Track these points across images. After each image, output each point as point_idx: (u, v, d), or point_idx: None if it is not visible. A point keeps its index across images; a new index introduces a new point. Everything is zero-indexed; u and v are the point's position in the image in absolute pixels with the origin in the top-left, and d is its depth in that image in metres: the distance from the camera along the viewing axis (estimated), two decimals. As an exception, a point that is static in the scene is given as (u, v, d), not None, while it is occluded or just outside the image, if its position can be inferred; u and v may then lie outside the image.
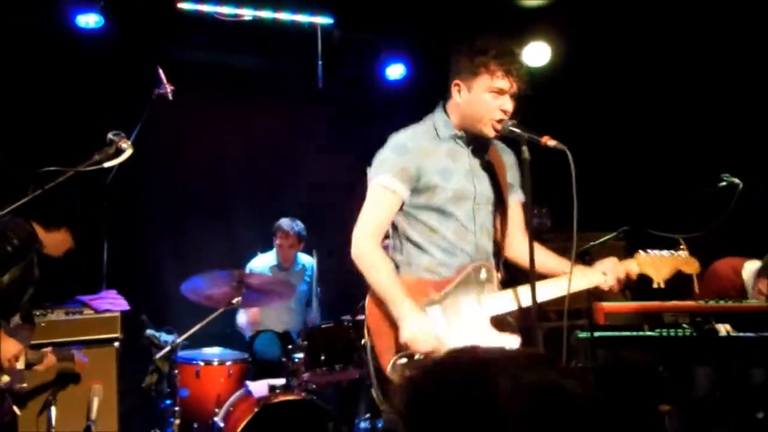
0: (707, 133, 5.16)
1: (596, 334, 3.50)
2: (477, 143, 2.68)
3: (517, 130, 2.52)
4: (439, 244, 2.60)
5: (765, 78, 4.95)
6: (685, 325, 3.34)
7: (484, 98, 2.55)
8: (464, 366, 1.06)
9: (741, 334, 3.34)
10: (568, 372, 1.04)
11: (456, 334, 2.51)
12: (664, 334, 3.42)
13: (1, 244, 3.21)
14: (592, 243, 3.69)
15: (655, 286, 2.75)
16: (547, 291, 2.56)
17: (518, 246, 2.74)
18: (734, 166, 3.61)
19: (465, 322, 2.55)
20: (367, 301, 2.60)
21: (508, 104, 2.57)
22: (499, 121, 2.56)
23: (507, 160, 2.76)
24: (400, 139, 2.64)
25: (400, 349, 2.49)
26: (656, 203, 4.92)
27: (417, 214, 2.62)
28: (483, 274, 2.60)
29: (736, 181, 3.46)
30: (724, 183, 3.52)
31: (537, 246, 2.68)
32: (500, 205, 2.71)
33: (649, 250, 2.73)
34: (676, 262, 2.76)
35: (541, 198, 2.55)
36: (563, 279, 2.55)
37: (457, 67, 2.63)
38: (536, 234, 2.64)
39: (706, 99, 5.20)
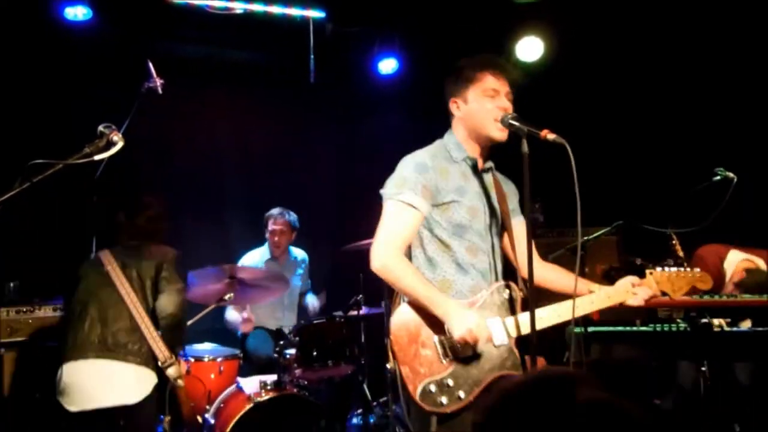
0: (701, 127, 5.16)
1: (590, 328, 3.50)
2: (485, 168, 2.74)
3: (517, 123, 2.54)
4: (452, 260, 2.61)
5: (759, 72, 4.95)
6: (679, 320, 3.35)
7: (482, 103, 2.63)
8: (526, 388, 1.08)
9: (735, 328, 3.35)
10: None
11: (482, 354, 2.48)
12: (658, 329, 3.43)
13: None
14: (586, 238, 3.69)
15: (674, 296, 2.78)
16: (579, 309, 2.59)
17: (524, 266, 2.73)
18: (728, 161, 3.61)
19: (492, 342, 2.52)
20: (393, 322, 2.54)
21: (505, 102, 2.64)
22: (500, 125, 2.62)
23: (507, 189, 2.82)
24: (418, 158, 2.65)
25: (429, 374, 2.45)
26: (650, 198, 4.91)
27: (432, 228, 2.62)
28: (506, 294, 2.61)
29: (731, 175, 3.46)
30: (718, 177, 3.52)
31: (548, 264, 2.83)
32: (505, 229, 2.75)
33: (662, 268, 2.76)
34: (691, 279, 2.78)
35: (534, 193, 2.55)
36: (588, 297, 2.66)
37: (450, 90, 2.73)
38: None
39: (699, 93, 5.20)
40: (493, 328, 2.52)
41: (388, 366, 2.56)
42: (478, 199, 2.67)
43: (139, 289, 3.54)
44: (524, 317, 2.54)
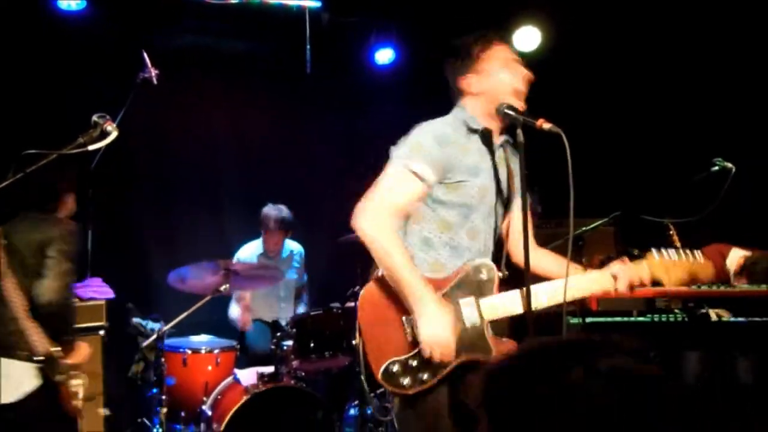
0: (699, 117, 5.15)
1: (588, 319, 3.49)
2: (500, 143, 2.62)
3: (512, 113, 2.48)
4: (449, 242, 2.50)
5: (757, 62, 4.94)
6: (677, 311, 3.34)
7: (500, 74, 2.56)
8: (539, 358, 1.05)
9: (733, 319, 3.34)
10: (641, 355, 1.01)
11: (454, 336, 2.38)
12: (656, 319, 3.42)
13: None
14: (584, 228, 3.68)
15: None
16: (552, 295, 2.46)
17: (521, 251, 2.61)
18: (727, 151, 3.60)
19: (462, 324, 2.43)
20: (362, 296, 2.47)
21: (524, 69, 2.61)
22: (520, 95, 2.56)
23: (514, 166, 2.69)
24: (438, 129, 2.50)
25: (394, 353, 2.38)
26: (647, 188, 4.91)
27: (435, 208, 2.50)
28: (483, 274, 2.48)
29: (729, 165, 3.45)
30: (716, 167, 3.51)
31: (542, 250, 2.69)
32: (508, 209, 2.66)
33: (662, 250, 2.55)
34: (691, 266, 2.55)
35: (531, 183, 2.52)
36: (574, 278, 2.48)
37: (458, 68, 2.60)
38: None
39: (697, 83, 5.19)
40: (465, 308, 2.44)
41: (354, 342, 2.50)
42: (489, 179, 2.55)
43: (20, 272, 3.03)
44: (499, 299, 2.45)
